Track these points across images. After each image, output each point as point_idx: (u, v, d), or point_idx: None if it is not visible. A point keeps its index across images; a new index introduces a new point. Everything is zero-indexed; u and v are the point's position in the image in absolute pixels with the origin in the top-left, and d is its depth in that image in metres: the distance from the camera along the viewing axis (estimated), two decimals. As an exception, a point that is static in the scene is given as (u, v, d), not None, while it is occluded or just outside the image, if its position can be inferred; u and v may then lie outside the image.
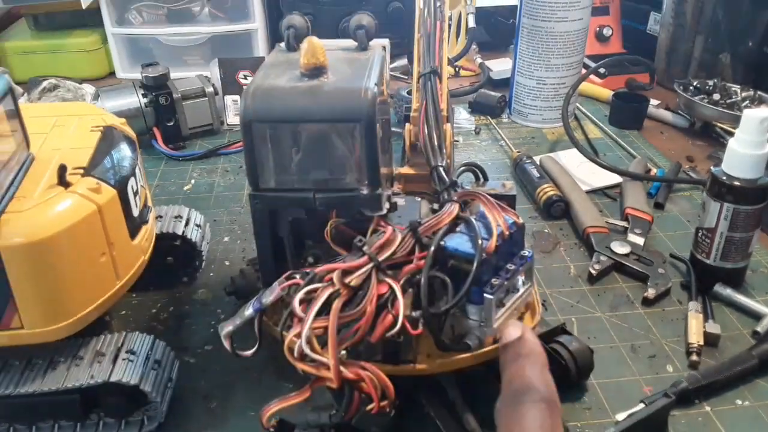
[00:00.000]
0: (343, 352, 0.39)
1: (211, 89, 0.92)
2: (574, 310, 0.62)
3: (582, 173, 0.82)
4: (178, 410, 0.50)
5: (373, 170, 0.45)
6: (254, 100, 0.44)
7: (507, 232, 0.42)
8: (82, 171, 0.46)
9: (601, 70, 1.09)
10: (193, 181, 0.84)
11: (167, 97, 0.88)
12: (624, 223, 0.72)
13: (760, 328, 0.59)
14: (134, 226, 0.49)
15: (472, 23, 1.16)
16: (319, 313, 0.38)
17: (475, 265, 0.40)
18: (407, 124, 0.56)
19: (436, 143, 0.53)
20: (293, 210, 0.48)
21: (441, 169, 0.50)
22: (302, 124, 0.44)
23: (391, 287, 0.39)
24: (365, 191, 0.46)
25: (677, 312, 0.62)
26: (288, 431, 0.41)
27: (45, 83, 0.94)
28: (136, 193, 0.50)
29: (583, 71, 0.98)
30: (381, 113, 0.47)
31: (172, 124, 0.90)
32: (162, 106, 0.89)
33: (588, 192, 0.79)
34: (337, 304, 0.38)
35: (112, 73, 1.20)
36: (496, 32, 1.29)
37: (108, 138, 0.51)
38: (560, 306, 0.62)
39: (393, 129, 0.65)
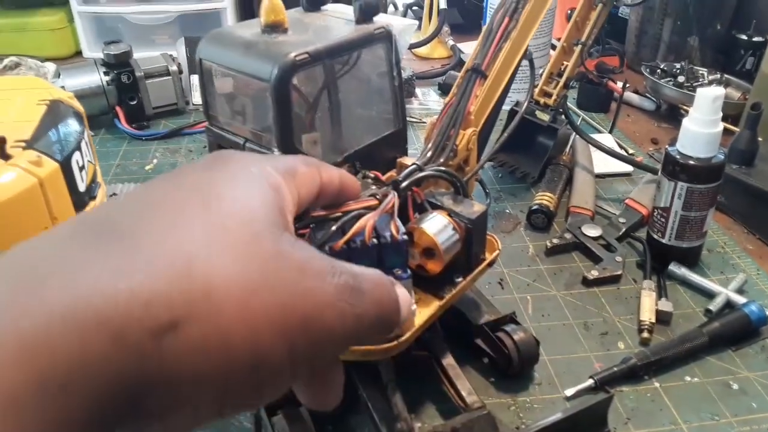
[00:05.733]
0: None
1: (175, 68, 0.91)
2: (529, 289, 0.62)
3: (597, 157, 0.80)
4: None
5: (282, 135, 0.47)
6: (206, 40, 0.49)
7: (369, 240, 0.41)
8: (23, 144, 0.45)
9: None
10: (155, 161, 0.83)
11: (129, 75, 0.87)
12: (613, 211, 0.72)
13: (712, 307, 0.59)
14: (81, 201, 0.49)
15: (443, 4, 1.16)
16: None
17: None
18: (434, 117, 0.56)
19: (440, 142, 0.53)
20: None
21: (413, 166, 0.50)
22: (232, 72, 0.48)
23: None
24: (276, 154, 0.47)
25: (632, 291, 0.62)
26: None
27: (6, 61, 0.92)
28: (82, 168, 0.49)
29: (551, 54, 0.98)
30: (310, 85, 0.48)
31: (135, 103, 0.89)
32: (124, 85, 0.87)
33: (604, 176, 0.78)
34: None
35: (79, 53, 1.18)
36: (468, 14, 1.28)
37: (54, 112, 0.50)
38: (516, 284, 0.63)
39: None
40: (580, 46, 0.76)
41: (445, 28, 1.18)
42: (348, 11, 0.55)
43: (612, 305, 0.60)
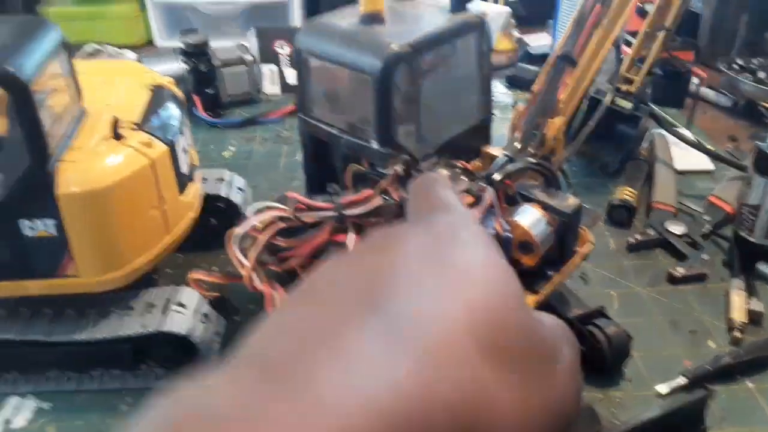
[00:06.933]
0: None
1: (250, 58, 0.93)
2: (613, 284, 0.61)
3: (677, 153, 0.79)
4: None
5: (382, 127, 0.47)
6: (304, 31, 0.50)
7: None
8: (134, 126, 0.47)
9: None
10: (232, 148, 0.85)
11: (207, 63, 0.89)
12: (697, 208, 0.70)
13: (804, 308, 0.58)
14: (183, 182, 0.50)
15: (511, -3, 1.15)
16: (285, 236, 0.40)
17: None
18: (519, 104, 0.56)
19: (528, 131, 0.53)
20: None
21: (504, 156, 0.50)
22: (331, 63, 0.48)
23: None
24: (374, 146, 0.47)
25: (719, 289, 0.61)
26: (222, 306, 0.46)
27: (87, 48, 0.95)
28: (185, 151, 0.51)
29: (625, 50, 0.96)
30: (410, 77, 0.48)
31: (211, 91, 0.91)
32: (202, 73, 0.89)
33: (684, 172, 0.77)
34: (276, 225, 0.40)
35: (150, 42, 1.21)
36: (533, 6, 1.26)
37: (157, 96, 0.52)
38: (600, 280, 0.62)
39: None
40: (663, 32, 0.74)
41: (511, 21, 1.17)
42: None
43: (700, 303, 0.59)
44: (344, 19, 0.50)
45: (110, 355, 0.48)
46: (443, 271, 0.17)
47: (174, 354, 0.49)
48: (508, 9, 0.55)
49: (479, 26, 0.52)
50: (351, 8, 0.52)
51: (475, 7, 0.53)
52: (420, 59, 0.50)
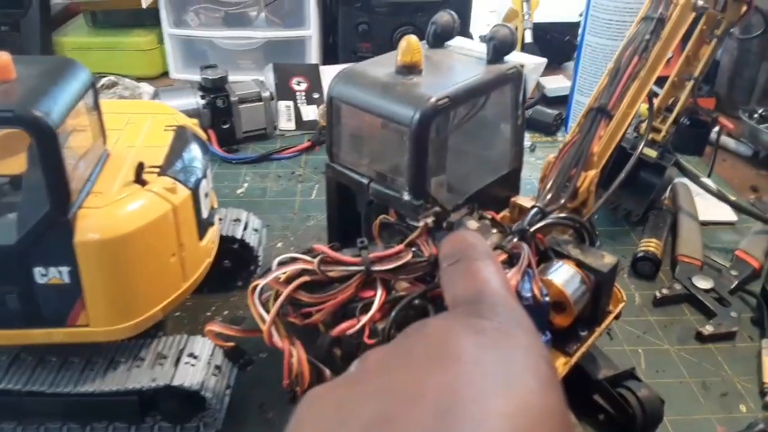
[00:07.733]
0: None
1: (267, 94, 0.92)
2: (640, 341, 0.59)
3: (700, 204, 0.78)
4: (235, 418, 0.49)
5: (416, 179, 0.46)
6: (338, 79, 0.48)
7: None
8: (158, 170, 0.45)
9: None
10: (246, 185, 0.84)
11: (224, 99, 0.88)
12: (723, 263, 0.69)
13: (838, 372, 0.55)
14: (203, 227, 0.49)
15: (528, 38, 1.15)
16: (309, 290, 0.39)
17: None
18: (551, 155, 0.55)
19: (560, 183, 0.51)
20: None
21: (535, 210, 0.48)
22: (364, 112, 0.47)
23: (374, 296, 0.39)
24: (406, 197, 0.46)
25: (749, 349, 0.59)
26: (237, 356, 0.44)
27: (104, 80, 0.95)
28: (206, 195, 0.49)
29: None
30: (445, 128, 0.46)
31: (227, 127, 0.90)
32: (219, 109, 0.89)
33: (706, 223, 0.76)
34: (300, 279, 0.38)
35: (165, 73, 1.21)
36: (549, 49, 1.26)
37: (181, 138, 0.51)
38: (626, 336, 0.60)
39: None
40: (692, 81, 0.73)
41: (528, 63, 1.17)
42: (474, 47, 0.54)
43: (729, 364, 0.57)
44: (379, 68, 0.49)
45: (116, 408, 0.46)
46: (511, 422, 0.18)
47: (182, 407, 0.47)
48: (544, 60, 0.54)
49: (516, 78, 0.51)
50: (386, 57, 0.51)
51: (513, 57, 0.51)
52: (456, 111, 0.48)
